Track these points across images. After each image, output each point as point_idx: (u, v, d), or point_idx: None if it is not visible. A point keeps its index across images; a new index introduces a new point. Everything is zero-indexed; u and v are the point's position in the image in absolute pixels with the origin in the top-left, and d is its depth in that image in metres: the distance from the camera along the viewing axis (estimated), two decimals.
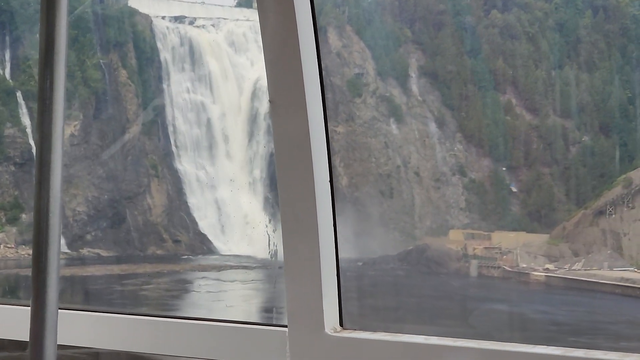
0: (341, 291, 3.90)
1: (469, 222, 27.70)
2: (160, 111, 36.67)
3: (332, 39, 32.29)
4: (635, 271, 20.89)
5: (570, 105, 27.05)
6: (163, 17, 37.13)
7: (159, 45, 37.03)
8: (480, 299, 23.02)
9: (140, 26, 36.10)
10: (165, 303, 26.11)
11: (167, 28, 37.02)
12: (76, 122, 33.05)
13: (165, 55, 37.20)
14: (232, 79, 36.69)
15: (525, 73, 28.46)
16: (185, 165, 35.18)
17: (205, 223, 33.92)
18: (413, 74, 31.30)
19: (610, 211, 22.17)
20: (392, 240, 27.95)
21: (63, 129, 2.41)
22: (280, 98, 3.56)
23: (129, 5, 35.71)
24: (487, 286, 23.76)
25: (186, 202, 34.33)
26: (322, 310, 3.75)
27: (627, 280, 20.29)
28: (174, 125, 36.04)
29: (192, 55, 37.79)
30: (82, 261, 29.40)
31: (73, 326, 4.35)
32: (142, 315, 4.35)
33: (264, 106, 33.60)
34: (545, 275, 22.20)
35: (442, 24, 30.36)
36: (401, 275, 25.40)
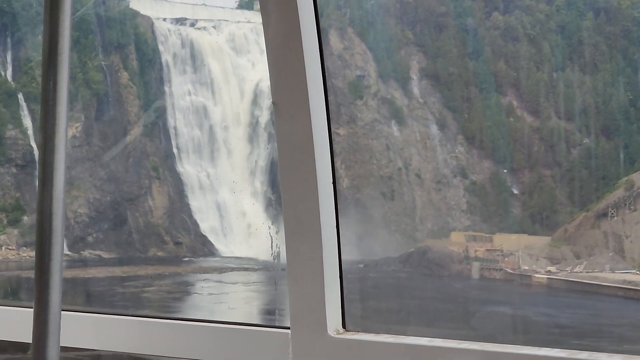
0: (344, 293, 3.90)
1: (470, 224, 27.69)
2: (161, 113, 36.69)
3: (334, 41, 32.30)
4: (638, 274, 20.87)
5: (571, 107, 27.04)
6: (164, 19, 37.16)
7: (160, 47, 37.05)
8: (482, 302, 23.01)
9: (141, 28, 36.13)
10: (167, 305, 26.11)
11: (169, 30, 37.05)
12: (78, 124, 33.07)
13: (166, 57, 37.22)
14: (233, 80, 36.71)
15: (526, 75, 28.46)
16: (186, 167, 35.19)
17: (207, 225, 33.92)
18: (414, 76, 31.30)
19: (612, 213, 22.15)
20: (394, 242, 27.94)
21: (66, 131, 2.41)
22: (284, 100, 3.56)
23: (130, 7, 35.74)
24: (489, 288, 23.74)
25: (187, 204, 34.33)
26: (325, 312, 3.75)
27: (629, 282, 20.27)
28: (175, 127, 36.06)
29: (194, 57, 37.81)
30: (84, 263, 29.41)
31: (75, 328, 4.34)
32: (145, 317, 4.35)
33: (264, 116, 33.70)
34: (547, 278, 22.18)
35: (443, 26, 30.37)
36: (403, 277, 25.39)
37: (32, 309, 2.31)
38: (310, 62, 3.48)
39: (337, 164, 29.55)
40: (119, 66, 35.66)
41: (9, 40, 33.66)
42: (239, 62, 37.23)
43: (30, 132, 32.40)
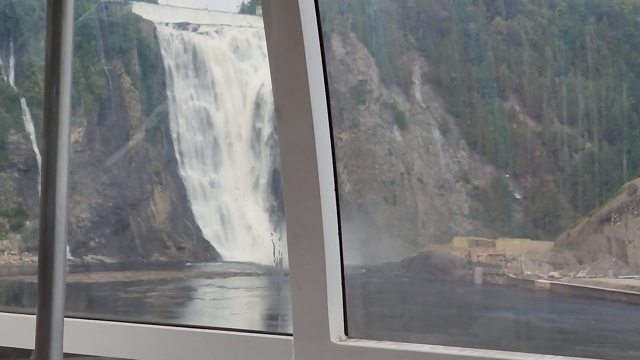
0: (346, 299, 3.89)
1: (472, 229, 27.67)
2: (163, 118, 36.72)
3: (336, 45, 32.32)
4: None
5: (574, 112, 27.03)
6: (167, 24, 37.22)
7: (162, 51, 37.09)
8: (485, 307, 22.97)
9: (144, 33, 36.18)
10: (169, 310, 26.10)
11: (171, 35, 37.10)
12: (80, 129, 33.10)
13: (169, 61, 37.26)
14: (235, 85, 36.73)
15: (529, 80, 28.45)
16: (188, 172, 35.20)
17: (209, 230, 33.91)
18: (417, 80, 31.31)
19: (615, 218, 22.12)
20: (396, 247, 27.92)
21: (69, 137, 2.41)
22: (286, 106, 3.56)
23: (133, 11, 35.80)
24: (492, 294, 23.71)
25: (190, 209, 34.33)
26: (328, 319, 3.74)
27: (632, 288, 20.23)
28: (177, 132, 36.08)
29: (196, 62, 37.85)
30: (86, 268, 29.41)
31: (78, 334, 4.34)
32: (147, 324, 4.35)
33: (266, 129, 33.74)
34: (550, 283, 22.15)
35: (445, 30, 30.38)
36: (405, 283, 25.36)
37: (34, 315, 2.30)
38: (313, 69, 3.48)
39: (340, 169, 29.57)
40: (122, 71, 35.70)
41: (11, 45, 33.72)
42: (241, 67, 37.27)
43: (32, 136, 32.43)
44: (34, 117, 32.51)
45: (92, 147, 32.86)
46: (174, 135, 36.01)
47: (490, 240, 25.99)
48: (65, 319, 2.30)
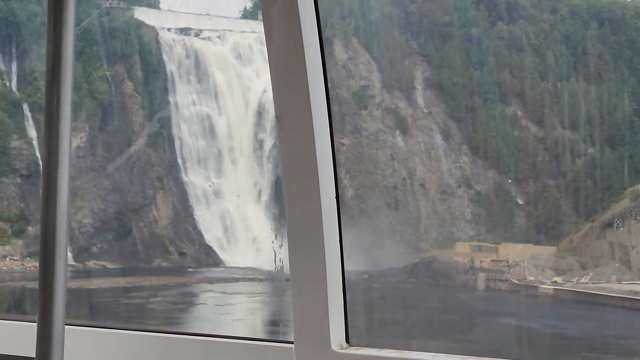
0: (347, 307, 3.89)
1: (475, 234, 27.66)
2: (166, 123, 36.74)
3: (338, 51, 32.34)
4: None
5: (576, 117, 27.01)
6: (169, 29, 37.28)
7: (164, 57, 37.13)
8: (489, 313, 22.93)
9: (146, 38, 36.23)
10: (172, 316, 26.09)
11: (173, 40, 37.15)
12: (82, 134, 33.14)
13: (171, 67, 37.30)
14: (237, 90, 36.75)
15: (531, 85, 28.44)
16: (191, 177, 35.21)
17: (211, 235, 33.91)
18: (419, 86, 31.32)
19: (618, 224, 22.10)
20: (398, 252, 27.90)
21: (70, 145, 2.41)
22: (287, 114, 3.56)
23: (135, 17, 35.85)
24: (495, 299, 23.68)
25: (192, 215, 34.34)
26: (329, 327, 3.74)
27: (636, 293, 20.20)
28: (179, 137, 36.11)
29: (198, 67, 37.88)
30: (88, 273, 29.42)
31: (79, 342, 4.34)
32: (149, 332, 4.35)
33: (268, 142, 33.77)
34: (554, 289, 22.11)
35: (448, 35, 30.39)
36: (408, 288, 25.33)
37: (35, 323, 2.30)
38: (313, 77, 3.49)
39: (342, 174, 29.57)
40: (124, 76, 35.74)
41: (14, 50, 33.78)
42: (243, 72, 37.30)
43: (35, 142, 32.46)
44: (36, 122, 32.54)
45: (94, 153, 32.88)
46: (176, 141, 36.04)
47: (492, 245, 25.97)
48: (66, 326, 2.30)
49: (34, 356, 2.31)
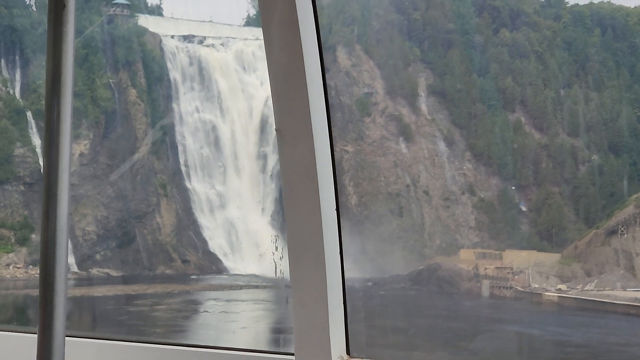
0: (347, 318, 3.87)
1: (478, 240, 27.62)
2: (169, 130, 36.72)
3: (342, 58, 32.35)
4: None
5: (579, 123, 26.99)
6: (172, 36, 37.30)
7: (168, 64, 37.15)
8: (494, 320, 22.87)
9: (149, 45, 36.26)
10: (177, 324, 26.06)
11: (177, 47, 37.17)
12: (86, 142, 33.15)
13: (174, 74, 37.30)
14: (241, 98, 36.72)
15: (534, 92, 28.42)
16: (194, 184, 35.18)
17: (215, 243, 33.85)
18: (422, 92, 31.31)
19: (622, 231, 22.06)
20: (402, 259, 27.86)
21: (69, 162, 2.40)
22: (287, 127, 3.56)
23: (138, 24, 35.89)
24: (500, 307, 23.63)
25: (195, 222, 34.30)
26: (329, 338, 3.73)
27: None
28: (183, 145, 36.09)
29: (202, 74, 37.87)
30: (92, 281, 29.40)
31: (80, 354, 4.32)
32: (149, 343, 4.33)
33: (271, 158, 33.71)
34: (558, 296, 22.05)
35: (451, 42, 30.39)
36: (413, 295, 25.30)
37: (36, 335, 2.29)
38: (313, 90, 3.48)
39: (345, 182, 29.53)
40: (127, 84, 35.78)
41: (17, 58, 33.83)
42: (247, 79, 37.29)
43: (38, 150, 32.50)
44: (40, 130, 32.61)
45: (97, 160, 32.89)
46: (180, 148, 36.02)
47: (497, 252, 25.95)
48: (66, 338, 2.29)
49: None
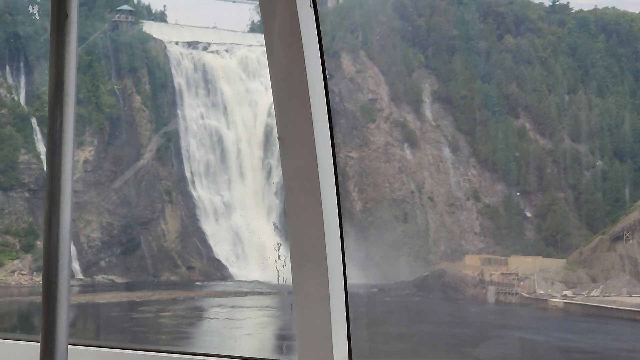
0: (350, 325, 3.88)
1: (483, 246, 27.58)
2: (174, 136, 36.74)
3: (346, 64, 32.37)
4: None
5: (583, 129, 26.96)
6: (177, 43, 37.36)
7: (172, 70, 37.19)
8: (499, 327, 22.82)
9: (154, 52, 36.31)
10: (183, 331, 26.05)
11: (181, 54, 37.22)
12: (90, 148, 33.18)
13: (179, 80, 37.35)
14: (245, 104, 36.74)
15: (538, 97, 28.41)
16: (199, 191, 35.19)
17: (220, 249, 33.84)
18: (427, 99, 31.31)
19: (628, 236, 22.02)
20: (407, 265, 27.83)
21: (72, 168, 2.39)
22: (289, 136, 3.56)
23: (142, 30, 35.96)
24: (506, 313, 23.59)
25: (200, 228, 34.29)
26: (332, 345, 3.74)
27: None
28: (187, 151, 36.11)
29: (206, 81, 37.91)
30: (97, 287, 29.41)
31: None
32: (152, 352, 4.32)
33: (277, 172, 33.73)
34: (564, 302, 22.01)
35: (455, 49, 30.40)
36: (418, 302, 25.26)
37: (38, 343, 2.29)
38: (315, 98, 3.49)
39: (350, 188, 29.53)
40: (132, 90, 35.83)
41: (22, 64, 33.91)
42: (251, 86, 37.32)
43: (43, 156, 32.59)
44: (45, 136, 32.70)
45: (102, 167, 32.93)
46: (185, 154, 36.05)
47: (502, 258, 25.92)
48: (69, 346, 2.29)
49: None
